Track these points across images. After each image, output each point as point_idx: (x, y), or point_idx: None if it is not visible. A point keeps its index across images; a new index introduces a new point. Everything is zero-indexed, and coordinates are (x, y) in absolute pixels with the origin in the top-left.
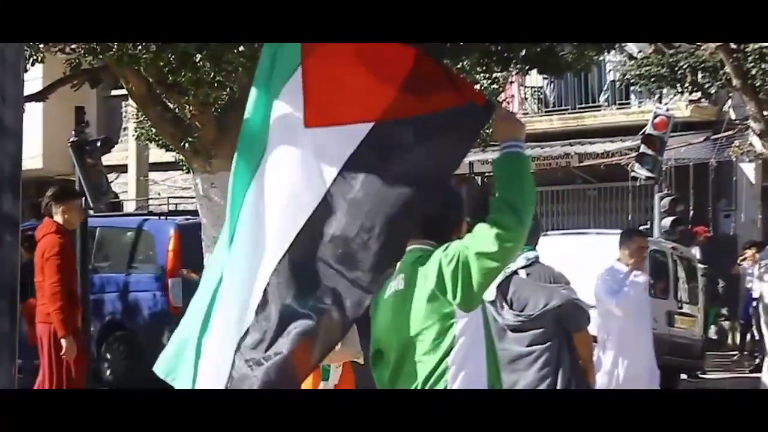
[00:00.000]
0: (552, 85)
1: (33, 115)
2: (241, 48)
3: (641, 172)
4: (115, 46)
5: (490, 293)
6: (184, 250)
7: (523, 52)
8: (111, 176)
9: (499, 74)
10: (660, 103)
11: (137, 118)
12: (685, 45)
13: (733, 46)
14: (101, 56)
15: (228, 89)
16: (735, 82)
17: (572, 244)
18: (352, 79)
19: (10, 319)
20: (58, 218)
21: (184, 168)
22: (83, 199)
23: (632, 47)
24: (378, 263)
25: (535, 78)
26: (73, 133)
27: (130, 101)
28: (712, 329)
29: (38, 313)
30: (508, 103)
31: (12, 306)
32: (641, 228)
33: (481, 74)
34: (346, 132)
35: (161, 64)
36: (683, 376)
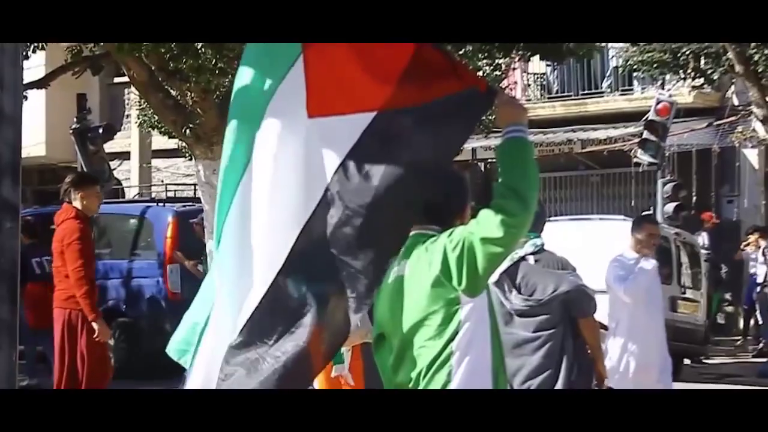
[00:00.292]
0: (555, 71)
1: (36, 103)
2: None
3: (644, 158)
4: None
5: (494, 277)
6: (182, 237)
7: None
8: (114, 163)
9: (501, 61)
10: (663, 89)
11: (140, 106)
12: None
13: None
14: (102, 43)
15: (229, 76)
16: (738, 68)
17: (575, 230)
18: (354, 68)
19: (10, 305)
20: (77, 204)
21: (187, 155)
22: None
23: None
24: (384, 250)
25: (537, 64)
26: (75, 120)
27: (133, 88)
28: (721, 315)
29: (55, 298)
30: (511, 89)
31: (12, 292)
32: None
33: (484, 61)
34: (350, 121)
35: (162, 51)
36: (686, 361)
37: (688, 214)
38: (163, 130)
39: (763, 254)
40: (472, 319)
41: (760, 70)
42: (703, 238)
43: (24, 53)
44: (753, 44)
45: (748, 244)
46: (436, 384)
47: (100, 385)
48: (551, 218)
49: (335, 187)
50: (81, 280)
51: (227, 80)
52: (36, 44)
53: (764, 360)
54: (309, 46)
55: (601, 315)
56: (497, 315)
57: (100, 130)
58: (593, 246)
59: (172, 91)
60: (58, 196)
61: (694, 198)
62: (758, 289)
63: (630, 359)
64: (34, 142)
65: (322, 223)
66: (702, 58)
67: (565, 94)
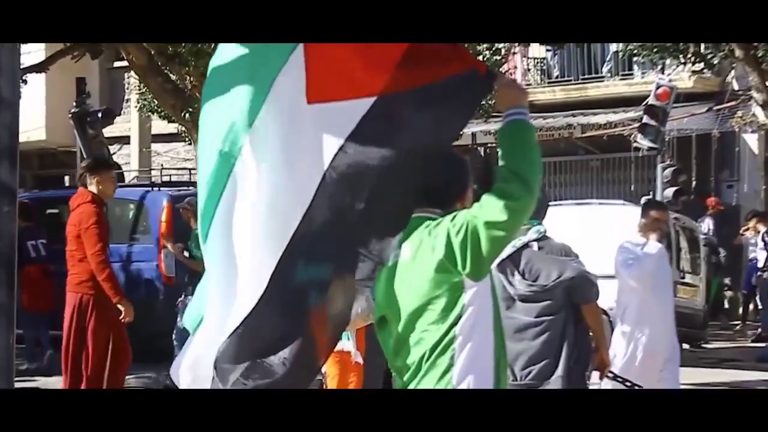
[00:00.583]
0: (555, 56)
1: (36, 87)
2: None
3: (644, 142)
4: None
5: (498, 263)
6: (176, 221)
7: None
8: (114, 148)
9: (501, 45)
10: (663, 73)
11: (139, 90)
12: None
13: None
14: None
15: None
16: (738, 52)
17: (575, 215)
18: (354, 54)
19: (8, 288)
20: (93, 188)
21: (186, 139)
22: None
23: None
24: (385, 233)
25: (537, 49)
26: (74, 104)
27: (133, 73)
28: (726, 300)
29: (68, 282)
30: (511, 74)
31: (10, 276)
32: (645, 198)
33: (483, 45)
34: (349, 107)
35: None
36: (685, 345)
37: (688, 199)
38: (162, 114)
39: (763, 239)
40: (475, 303)
41: (760, 55)
42: (707, 224)
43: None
44: None
45: (747, 229)
46: (439, 369)
47: (116, 371)
48: (550, 203)
49: (335, 172)
50: (102, 263)
51: None
52: None
53: (763, 345)
54: None
55: (602, 300)
56: (501, 300)
57: (99, 115)
58: (593, 231)
59: (171, 75)
60: (57, 181)
61: (694, 183)
62: (758, 273)
63: (637, 345)
64: (33, 127)
65: (323, 208)
66: (702, 43)
67: (565, 78)
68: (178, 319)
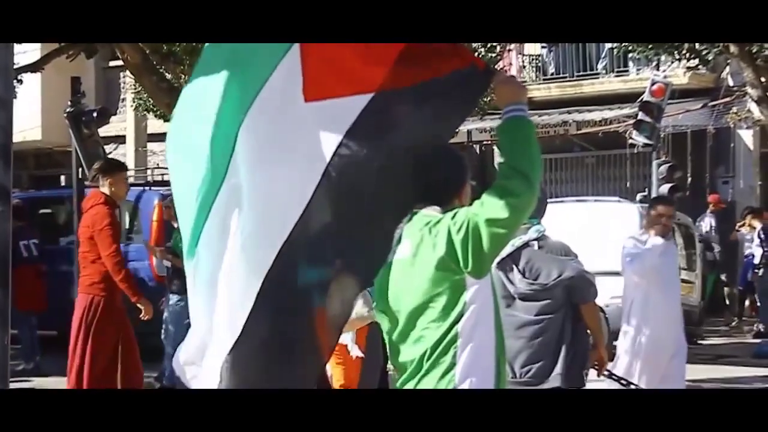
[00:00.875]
0: (550, 53)
1: (32, 87)
2: None
3: (639, 139)
4: None
5: (498, 261)
6: (168, 221)
7: None
8: (109, 147)
9: (496, 42)
10: (658, 70)
11: (135, 89)
12: None
13: None
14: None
15: None
16: (732, 48)
17: (570, 211)
18: (351, 50)
19: (2, 288)
20: (105, 190)
21: None
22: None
23: None
24: (384, 230)
25: (533, 46)
26: (69, 103)
27: (128, 72)
28: (727, 296)
29: (80, 284)
30: (506, 71)
31: (4, 276)
32: (640, 195)
33: (479, 42)
34: (347, 104)
35: None
36: None
37: (683, 195)
38: (158, 113)
39: (759, 236)
40: (477, 301)
41: (754, 51)
42: (708, 221)
43: None
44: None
45: (742, 225)
46: (441, 367)
47: (129, 372)
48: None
49: (334, 169)
50: (118, 264)
51: None
52: None
53: (759, 341)
54: None
55: (598, 298)
56: (500, 298)
57: (95, 114)
58: (588, 228)
59: (166, 74)
60: (53, 180)
61: (689, 179)
62: (754, 270)
63: (642, 340)
64: (29, 126)
65: (322, 205)
66: (697, 42)
67: (561, 75)
68: (164, 317)
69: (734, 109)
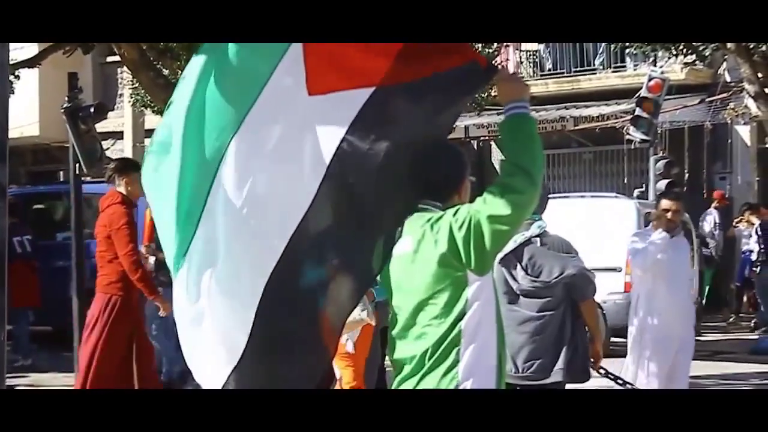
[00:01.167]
0: (547, 48)
1: (29, 83)
2: None
3: (636, 135)
4: None
5: (501, 257)
6: None
7: None
8: (107, 143)
9: (494, 42)
10: (655, 65)
11: (133, 85)
12: None
13: None
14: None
15: None
16: (729, 44)
17: (567, 207)
18: (353, 47)
19: (0, 285)
20: (122, 189)
21: None
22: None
23: None
24: (387, 225)
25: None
26: (66, 99)
27: (126, 68)
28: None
29: (98, 283)
30: (504, 67)
31: (1, 273)
32: (638, 191)
33: (477, 42)
34: (349, 97)
35: None
36: None
37: (681, 191)
38: (156, 109)
39: (756, 232)
40: (480, 299)
41: (751, 46)
42: (713, 217)
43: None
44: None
45: (740, 221)
46: (444, 365)
47: (144, 370)
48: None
49: (337, 165)
50: (135, 263)
51: None
52: None
53: (756, 337)
54: None
55: (598, 294)
56: (502, 294)
57: (92, 110)
58: (585, 224)
59: (163, 69)
60: (51, 176)
61: (687, 175)
62: (752, 268)
63: (647, 334)
64: (27, 122)
65: (325, 203)
66: (695, 42)
67: (558, 71)
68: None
69: (731, 105)
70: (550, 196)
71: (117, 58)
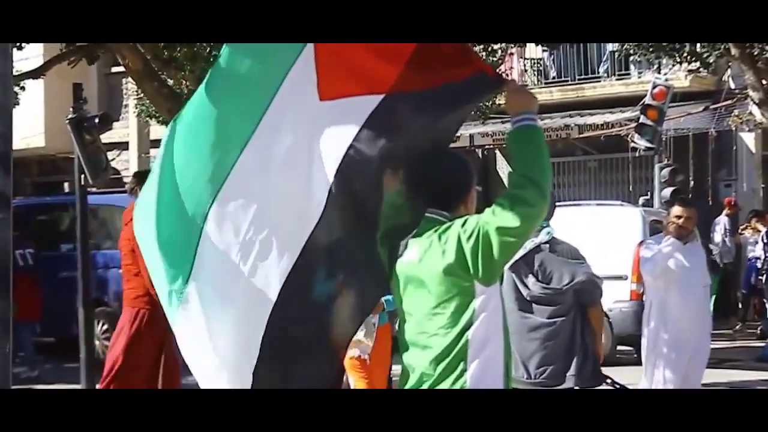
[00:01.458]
0: (551, 56)
1: (35, 94)
2: None
3: (641, 142)
4: None
5: (511, 264)
6: None
7: None
8: (113, 153)
9: (497, 46)
10: (659, 73)
11: (138, 95)
12: None
13: None
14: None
15: None
16: (733, 51)
17: (572, 215)
18: (364, 51)
19: (5, 297)
20: None
21: None
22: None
23: None
24: (397, 234)
25: (534, 50)
26: (71, 110)
27: (130, 78)
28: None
29: (125, 297)
30: (508, 75)
31: (5, 284)
32: (643, 198)
33: (480, 46)
34: (359, 103)
35: None
36: None
37: (686, 198)
38: (160, 119)
39: (762, 240)
40: (488, 309)
41: (755, 53)
42: (723, 224)
43: (17, 43)
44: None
45: (745, 228)
46: (452, 375)
47: (171, 382)
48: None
49: (344, 172)
50: None
51: None
52: None
53: (763, 344)
54: None
55: (603, 302)
56: (513, 300)
57: (96, 120)
58: (591, 232)
59: (168, 79)
60: (57, 187)
61: (692, 182)
62: (759, 276)
63: (661, 341)
64: (33, 133)
65: (334, 210)
66: (699, 42)
67: (562, 79)
68: None
69: (736, 112)
70: (556, 204)
71: (122, 68)
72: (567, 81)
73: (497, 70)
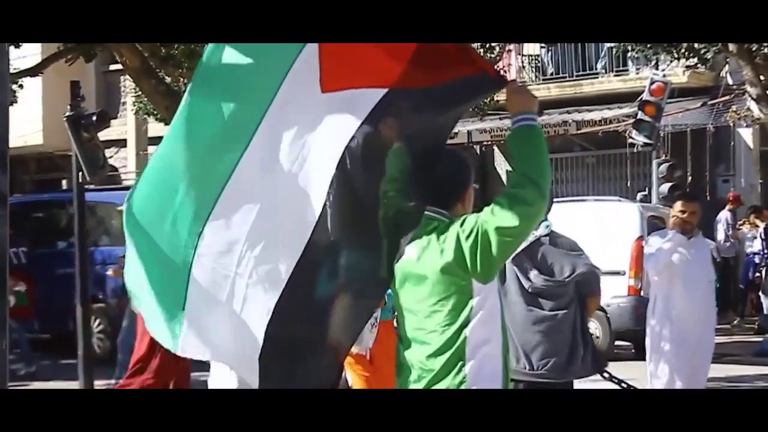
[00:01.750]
0: (549, 53)
1: (33, 92)
2: None
3: (639, 138)
4: None
5: (514, 257)
6: None
7: None
8: (111, 151)
9: (495, 43)
10: (657, 69)
11: (135, 93)
12: None
13: None
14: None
15: None
16: (731, 47)
17: (570, 211)
18: (368, 48)
19: (1, 295)
20: None
21: None
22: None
23: None
24: (399, 231)
25: (532, 46)
26: (69, 107)
27: (128, 75)
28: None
29: None
30: (506, 72)
31: (2, 281)
32: (641, 194)
33: (477, 43)
34: (362, 95)
35: None
36: None
37: (679, 193)
38: (158, 117)
39: (761, 236)
40: (485, 307)
41: (753, 49)
42: (725, 219)
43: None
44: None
45: (743, 224)
46: (451, 372)
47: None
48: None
49: (344, 166)
50: None
51: None
52: None
53: (761, 339)
54: None
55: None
56: (516, 293)
57: (94, 118)
58: (589, 228)
59: (165, 77)
60: (55, 184)
61: (690, 178)
62: (757, 272)
63: (666, 335)
64: (31, 131)
65: (336, 205)
66: (697, 42)
67: (560, 75)
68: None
69: (734, 108)
70: (554, 200)
71: (119, 66)
72: (565, 77)
73: (496, 68)
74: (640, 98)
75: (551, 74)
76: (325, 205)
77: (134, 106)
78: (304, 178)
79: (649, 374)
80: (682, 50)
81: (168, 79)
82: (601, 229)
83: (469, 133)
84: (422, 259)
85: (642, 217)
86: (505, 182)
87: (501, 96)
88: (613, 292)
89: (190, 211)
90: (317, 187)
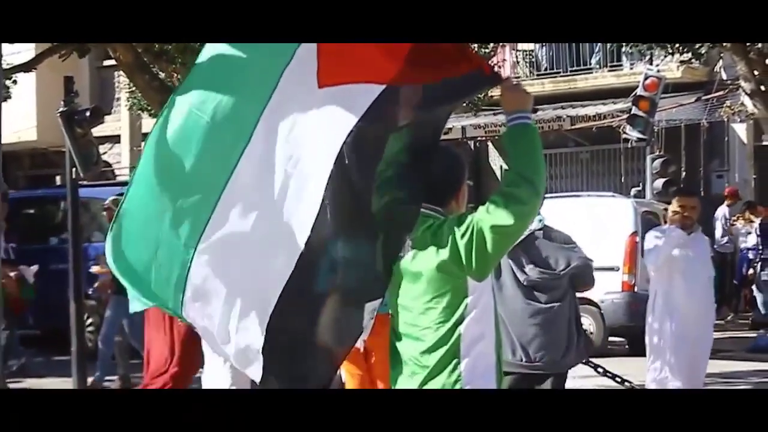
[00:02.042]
0: (543, 48)
1: (26, 87)
2: None
3: (633, 133)
4: None
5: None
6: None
7: None
8: (105, 147)
9: (491, 42)
10: (651, 64)
11: (129, 88)
12: None
13: None
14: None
15: None
16: (725, 42)
17: (564, 207)
18: (366, 46)
19: None
20: None
21: None
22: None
23: None
24: (397, 229)
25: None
26: (63, 103)
27: (122, 71)
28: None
29: None
30: (500, 67)
31: None
32: (635, 190)
33: (475, 43)
34: (359, 91)
35: None
36: None
37: (678, 189)
38: (152, 112)
39: (756, 232)
40: (480, 305)
41: (747, 44)
42: (723, 214)
43: None
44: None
45: (737, 219)
46: (446, 369)
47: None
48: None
49: (341, 162)
50: None
51: None
52: None
53: (754, 335)
54: None
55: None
56: (512, 287)
57: (88, 113)
58: (583, 223)
59: (159, 72)
60: (49, 180)
61: (684, 173)
62: (749, 265)
63: (665, 329)
64: (25, 127)
65: (333, 202)
66: (692, 43)
67: (554, 70)
68: (106, 317)
69: (728, 103)
70: (547, 196)
71: (113, 61)
72: (559, 72)
73: (491, 63)
74: (634, 93)
75: (545, 69)
76: (323, 201)
77: (128, 101)
78: (301, 175)
79: (651, 370)
80: (677, 45)
81: (162, 75)
82: (594, 224)
83: (463, 128)
84: (417, 256)
85: (636, 213)
86: (499, 178)
87: (495, 91)
88: (607, 288)
89: (191, 211)
90: (315, 184)
